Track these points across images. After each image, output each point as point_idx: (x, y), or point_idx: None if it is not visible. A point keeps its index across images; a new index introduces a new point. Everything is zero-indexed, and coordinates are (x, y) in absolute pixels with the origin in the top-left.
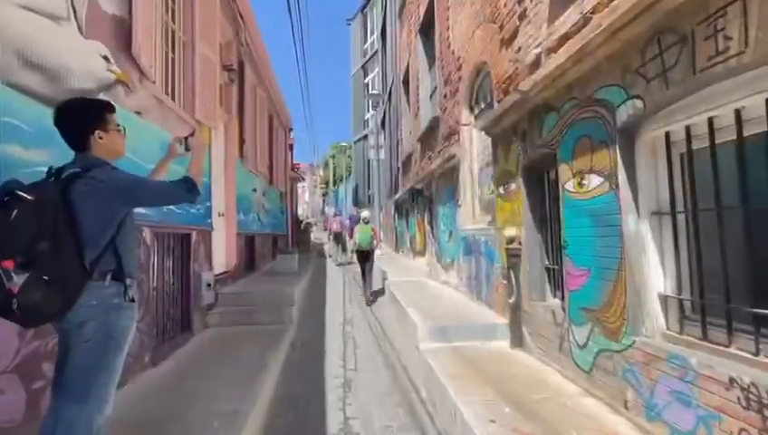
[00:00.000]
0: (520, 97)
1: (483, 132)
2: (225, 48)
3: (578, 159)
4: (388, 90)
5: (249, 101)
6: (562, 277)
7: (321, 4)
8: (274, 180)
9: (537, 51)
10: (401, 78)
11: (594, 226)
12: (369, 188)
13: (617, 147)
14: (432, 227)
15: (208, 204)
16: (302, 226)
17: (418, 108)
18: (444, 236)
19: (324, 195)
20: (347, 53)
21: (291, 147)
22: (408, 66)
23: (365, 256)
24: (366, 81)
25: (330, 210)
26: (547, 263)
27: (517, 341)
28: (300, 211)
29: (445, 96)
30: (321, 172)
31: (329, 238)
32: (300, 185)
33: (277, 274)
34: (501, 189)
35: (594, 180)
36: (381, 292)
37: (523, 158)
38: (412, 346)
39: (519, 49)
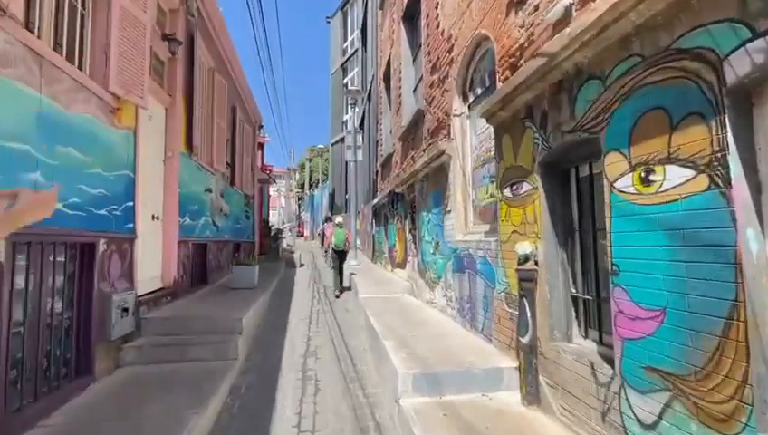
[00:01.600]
0: (542, 64)
1: (479, 123)
2: (170, 16)
3: (641, 144)
4: (367, 89)
5: (203, 84)
6: (598, 311)
7: (303, 3)
8: (238, 181)
9: (566, 1)
10: (382, 73)
11: (674, 244)
12: (346, 193)
13: (725, 119)
14: (414, 237)
15: (130, 204)
16: (272, 232)
17: (400, 103)
18: (428, 247)
19: (300, 199)
20: (327, 53)
21: (261, 146)
22: (389, 59)
23: (340, 254)
24: (345, 80)
25: (307, 215)
26: (573, 290)
27: (533, 396)
28: (275, 216)
29: (431, 85)
30: (297, 176)
31: (321, 244)
32: (273, 189)
33: (233, 289)
34: (507, 191)
35: (675, 174)
36: (349, 288)
37: (543, 148)
38: (389, 394)
39: (536, 8)
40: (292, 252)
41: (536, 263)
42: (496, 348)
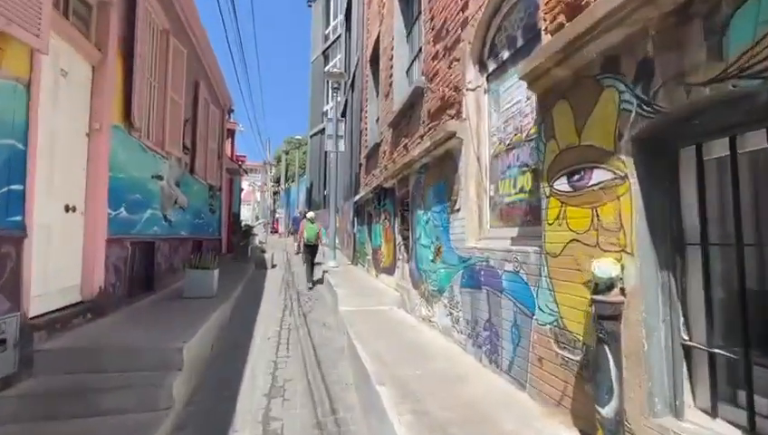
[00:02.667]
0: None
1: (504, 97)
2: None
3: None
4: (351, 76)
5: (152, 47)
6: (748, 376)
7: None
8: (200, 169)
9: None
10: (368, 56)
11: None
12: (325, 188)
13: None
14: (406, 239)
15: (18, 187)
16: (243, 228)
17: (391, 85)
18: (426, 252)
19: (275, 193)
20: (308, 39)
21: (231, 133)
22: (377, 39)
23: (311, 249)
24: (327, 68)
25: (282, 211)
26: (685, 337)
27: None
28: (248, 212)
29: (434, 57)
30: (273, 170)
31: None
32: (246, 183)
33: (185, 299)
34: (561, 183)
35: None
36: (321, 281)
37: (640, 116)
38: None
39: None
40: (264, 251)
41: (623, 292)
42: (536, 402)
